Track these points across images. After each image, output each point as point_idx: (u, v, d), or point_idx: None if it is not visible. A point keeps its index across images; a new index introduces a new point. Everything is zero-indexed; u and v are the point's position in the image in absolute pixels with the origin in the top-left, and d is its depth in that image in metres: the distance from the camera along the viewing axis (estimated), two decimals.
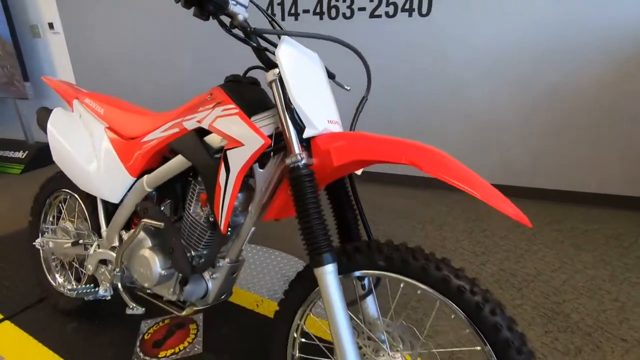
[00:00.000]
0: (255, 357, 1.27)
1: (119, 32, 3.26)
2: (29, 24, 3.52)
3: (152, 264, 1.00)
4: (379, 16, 2.54)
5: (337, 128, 0.86)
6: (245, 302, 1.52)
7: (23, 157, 3.46)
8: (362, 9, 2.56)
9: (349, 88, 1.23)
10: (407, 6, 2.46)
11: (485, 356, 0.72)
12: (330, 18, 2.65)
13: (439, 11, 2.41)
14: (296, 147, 0.79)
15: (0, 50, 3.27)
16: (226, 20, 1.87)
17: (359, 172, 0.98)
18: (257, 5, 0.91)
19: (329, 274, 0.76)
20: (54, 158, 1.20)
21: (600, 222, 2.31)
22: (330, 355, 0.96)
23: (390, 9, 2.50)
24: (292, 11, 2.71)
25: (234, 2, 0.73)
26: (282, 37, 0.81)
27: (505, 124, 2.53)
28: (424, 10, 2.44)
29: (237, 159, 0.83)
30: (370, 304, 0.93)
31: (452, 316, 0.74)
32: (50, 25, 3.45)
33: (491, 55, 2.40)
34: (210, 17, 0.75)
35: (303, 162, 0.78)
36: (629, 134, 2.32)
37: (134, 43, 3.24)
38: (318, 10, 2.65)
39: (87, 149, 1.14)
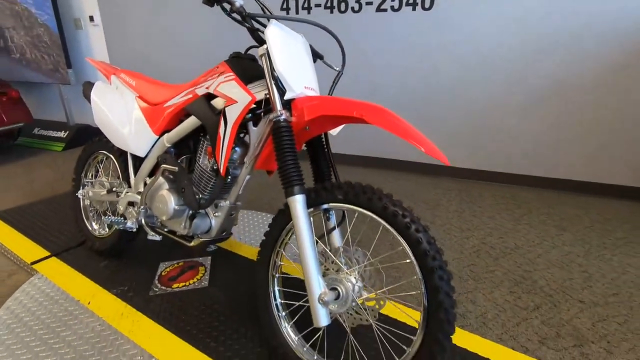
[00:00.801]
0: (250, 293, 1.51)
1: (151, 25, 3.59)
2: (72, 17, 3.92)
3: (168, 201, 1.26)
4: (385, 10, 2.72)
5: (312, 93, 1.09)
6: (247, 254, 1.76)
7: (64, 136, 3.87)
8: (369, 3, 2.75)
9: (337, 68, 1.45)
10: (410, 0, 2.63)
11: (413, 267, 0.92)
12: (340, 12, 2.85)
13: (441, 5, 2.57)
14: (278, 105, 1.02)
15: (48, 40, 3.68)
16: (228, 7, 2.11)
17: (334, 132, 1.20)
18: None
19: (298, 202, 0.99)
20: (96, 121, 1.48)
21: (590, 209, 2.41)
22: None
23: (396, 3, 2.68)
24: (305, 5, 2.94)
25: None
26: (270, 20, 1.04)
27: (505, 115, 2.66)
28: (427, 4, 2.60)
29: (233, 113, 1.07)
30: (337, 237, 1.15)
31: (392, 237, 0.95)
32: (91, 18, 3.83)
33: (491, 47, 2.54)
34: (215, 4, 0.99)
35: (282, 117, 1.01)
36: (626, 123, 2.40)
37: (166, 36, 3.56)
38: (329, 4, 2.86)
39: (121, 114, 1.42)
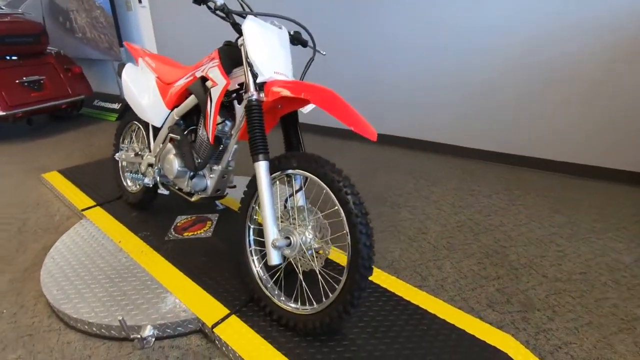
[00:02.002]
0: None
1: (194, 8, 3.90)
2: (124, 0, 4.35)
3: (173, 163, 1.57)
4: None
5: (283, 77, 1.29)
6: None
7: (117, 108, 4.41)
8: None
9: (324, 53, 1.63)
10: None
11: (342, 223, 1.13)
12: None
13: None
14: (251, 87, 1.25)
15: (103, 21, 4.15)
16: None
17: (305, 110, 1.41)
18: None
19: (261, 167, 1.22)
20: (125, 95, 1.81)
21: (595, 194, 2.38)
22: None
23: None
24: None
25: None
26: (248, 15, 1.25)
27: (508, 97, 2.65)
28: None
29: (215, 93, 1.32)
30: (300, 197, 1.38)
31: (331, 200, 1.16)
32: (139, 0, 4.23)
33: (503, 31, 2.51)
34: (201, 3, 1.21)
35: (254, 97, 1.24)
36: (630, 109, 2.30)
37: (207, 17, 3.86)
38: None
39: (143, 91, 1.73)
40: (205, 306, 1.37)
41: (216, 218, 2.00)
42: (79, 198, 2.25)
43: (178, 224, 1.94)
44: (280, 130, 1.42)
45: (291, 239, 1.23)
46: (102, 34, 4.25)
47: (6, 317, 1.45)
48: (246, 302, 1.39)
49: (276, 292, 1.34)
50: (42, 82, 3.70)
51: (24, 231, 2.06)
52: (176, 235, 1.84)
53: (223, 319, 1.31)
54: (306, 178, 1.36)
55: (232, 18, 1.26)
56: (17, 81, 3.51)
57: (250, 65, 1.24)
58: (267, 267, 1.44)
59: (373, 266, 1.13)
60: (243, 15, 1.26)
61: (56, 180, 2.55)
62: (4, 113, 3.38)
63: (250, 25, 1.24)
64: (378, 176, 2.70)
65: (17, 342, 1.34)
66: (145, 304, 1.39)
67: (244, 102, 1.36)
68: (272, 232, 1.19)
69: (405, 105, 3.14)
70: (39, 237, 1.99)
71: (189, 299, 1.40)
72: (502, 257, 1.78)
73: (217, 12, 1.25)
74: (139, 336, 1.27)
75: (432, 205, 2.28)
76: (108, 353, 1.28)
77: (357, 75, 3.28)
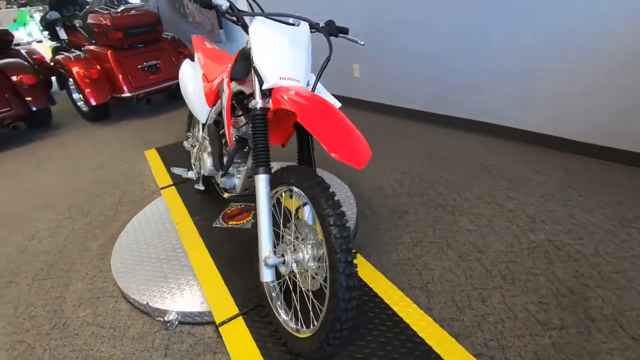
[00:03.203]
0: None
1: None
2: None
3: (206, 161, 1.65)
4: None
5: (290, 83, 1.18)
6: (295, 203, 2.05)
7: None
8: None
9: (362, 43, 1.44)
10: None
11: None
12: None
13: None
14: (256, 94, 1.18)
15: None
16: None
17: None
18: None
19: (261, 180, 1.18)
20: (181, 90, 1.95)
21: None
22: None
23: None
24: None
25: (216, 0, 1.13)
26: (255, 17, 1.16)
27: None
28: None
29: (225, 100, 1.30)
30: (306, 212, 1.29)
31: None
32: None
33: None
34: (210, 7, 1.18)
35: (258, 105, 1.18)
36: None
37: (307, 4, 3.84)
38: None
39: (193, 86, 1.83)
40: (221, 301, 1.45)
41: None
42: (161, 176, 2.60)
43: (227, 211, 2.07)
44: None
45: (285, 257, 1.18)
46: (206, 17, 4.64)
47: (87, 279, 1.80)
48: (256, 305, 1.42)
49: (279, 303, 1.33)
50: (158, 65, 4.28)
51: (122, 201, 2.50)
52: (222, 223, 1.98)
53: (231, 319, 1.37)
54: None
55: (242, 20, 1.19)
56: (139, 66, 4.14)
57: (255, 70, 1.17)
58: (277, 275, 1.43)
59: (353, 307, 1.01)
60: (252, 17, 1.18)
61: (152, 156, 2.98)
62: (130, 94, 4.05)
63: (256, 27, 1.15)
64: (447, 170, 2.37)
65: (89, 302, 1.66)
66: (177, 289, 1.55)
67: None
68: (265, 249, 1.16)
69: (492, 84, 2.61)
70: (129, 208, 2.39)
71: (210, 291, 1.50)
72: (578, 301, 1.39)
73: (227, 15, 1.20)
74: (163, 319, 1.44)
75: (504, 216, 1.90)
76: (142, 327, 1.49)
77: (434, 50, 2.85)
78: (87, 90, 3.97)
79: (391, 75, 3.28)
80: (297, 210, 1.29)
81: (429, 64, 2.96)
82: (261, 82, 1.17)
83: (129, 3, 4.54)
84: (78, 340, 1.46)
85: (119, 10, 4.07)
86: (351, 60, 3.57)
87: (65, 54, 4.14)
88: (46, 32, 5.29)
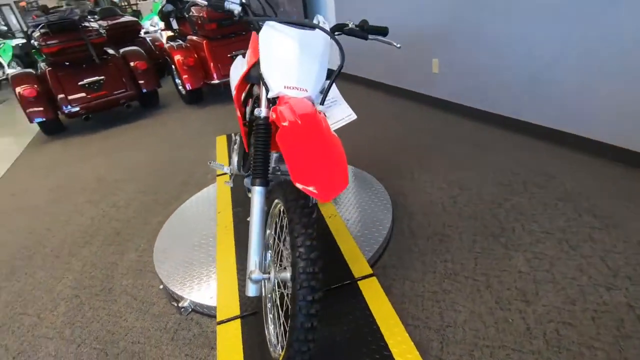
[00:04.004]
0: None
1: None
2: None
3: (234, 159, 1.68)
4: None
5: (296, 93, 1.10)
6: (323, 211, 1.99)
7: None
8: None
9: (399, 46, 1.28)
10: None
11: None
12: None
13: None
14: (262, 102, 1.14)
15: None
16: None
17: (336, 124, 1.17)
18: (244, 2, 1.18)
19: (257, 192, 1.14)
20: (230, 85, 2.00)
21: None
22: None
23: None
24: None
25: (228, 4, 1.10)
26: (265, 21, 1.10)
27: None
28: None
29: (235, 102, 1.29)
30: None
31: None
32: None
33: None
34: (223, 11, 1.15)
35: (261, 114, 1.13)
36: None
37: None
38: None
39: (235, 82, 1.86)
40: (227, 300, 1.49)
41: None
42: (223, 162, 2.77)
43: None
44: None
45: (270, 275, 1.14)
46: (294, 7, 4.71)
47: (139, 251, 2.04)
48: (255, 312, 1.42)
49: (270, 317, 1.30)
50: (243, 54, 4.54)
51: (187, 182, 2.75)
52: None
53: (230, 319, 1.39)
54: (317, 208, 1.19)
55: (256, 25, 1.14)
56: (228, 55, 4.44)
57: (261, 77, 1.12)
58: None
59: (308, 349, 0.91)
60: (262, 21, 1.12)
61: (221, 143, 3.20)
62: (218, 81, 4.40)
63: (264, 32, 1.10)
64: (516, 192, 2.00)
65: (133, 273, 1.88)
66: (197, 278, 1.65)
67: None
68: (252, 263, 1.13)
69: (605, 88, 2.07)
70: (189, 190, 2.62)
71: (222, 288, 1.55)
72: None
73: (242, 18, 1.16)
74: (177, 304, 1.54)
75: (575, 262, 1.53)
76: (164, 307, 1.63)
77: (532, 45, 2.37)
78: (185, 76, 4.44)
79: (476, 74, 2.88)
80: None
81: (525, 61, 2.50)
82: (268, 90, 1.12)
83: None
84: (114, 306, 1.67)
85: None
86: (430, 53, 3.24)
87: (171, 43, 4.68)
88: (162, 23, 6.04)
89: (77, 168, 3.35)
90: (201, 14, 4.27)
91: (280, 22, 1.11)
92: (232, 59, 4.41)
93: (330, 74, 1.17)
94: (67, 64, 4.11)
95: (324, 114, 1.20)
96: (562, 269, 1.50)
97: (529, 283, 1.46)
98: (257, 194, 1.14)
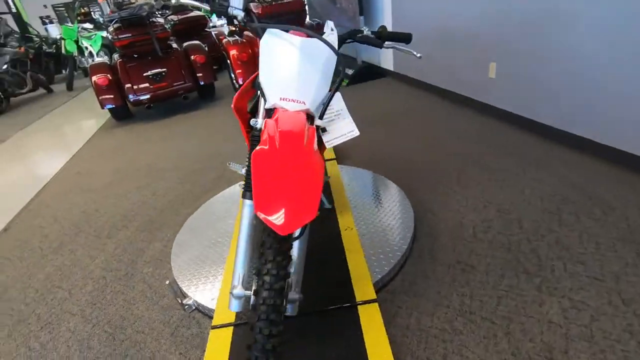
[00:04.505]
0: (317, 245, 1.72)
1: None
2: None
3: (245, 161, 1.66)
4: None
5: (292, 105, 1.03)
6: (341, 223, 1.90)
7: (351, 73, 4.82)
8: None
9: (419, 55, 1.16)
10: None
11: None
12: None
13: None
14: (260, 113, 1.09)
15: None
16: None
17: (328, 145, 1.09)
18: (249, 8, 1.12)
19: (245, 205, 1.10)
20: None
21: None
22: None
23: None
24: None
25: (231, 9, 1.06)
26: (266, 29, 1.04)
27: None
28: None
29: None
30: (295, 248, 1.15)
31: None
32: None
33: None
34: (228, 18, 1.12)
35: (257, 124, 1.09)
36: None
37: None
38: None
39: None
40: (225, 305, 1.49)
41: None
42: None
43: None
44: None
45: (251, 292, 1.09)
46: (350, 3, 4.59)
47: (164, 241, 2.14)
48: (247, 322, 1.40)
49: None
50: None
51: (221, 177, 2.83)
52: None
53: (223, 326, 1.39)
54: (305, 226, 1.13)
55: (261, 32, 1.09)
56: None
57: (260, 87, 1.07)
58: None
59: None
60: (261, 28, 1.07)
61: None
62: None
63: (265, 39, 1.05)
64: (566, 224, 1.73)
65: (154, 262, 1.98)
66: (204, 277, 1.68)
67: None
68: (235, 277, 1.10)
69: None
70: (221, 185, 2.69)
71: (225, 291, 1.56)
72: None
73: (246, 24, 1.12)
74: (181, 301, 1.59)
75: (626, 319, 1.28)
76: (172, 300, 1.68)
77: (616, 54, 2.01)
78: (238, 71, 4.58)
79: (537, 83, 2.55)
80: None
81: (594, 74, 2.14)
82: (265, 100, 1.07)
83: None
84: (131, 293, 1.77)
85: None
86: (487, 56, 2.94)
87: (229, 38, 4.85)
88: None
89: (133, 153, 3.64)
90: (256, 10, 4.35)
91: (282, 29, 1.05)
92: None
93: (335, 85, 1.09)
94: (135, 56, 4.47)
95: (324, 128, 1.13)
96: (606, 326, 1.26)
97: (559, 337, 1.25)
98: (246, 207, 1.11)
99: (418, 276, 1.59)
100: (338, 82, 1.07)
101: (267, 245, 0.90)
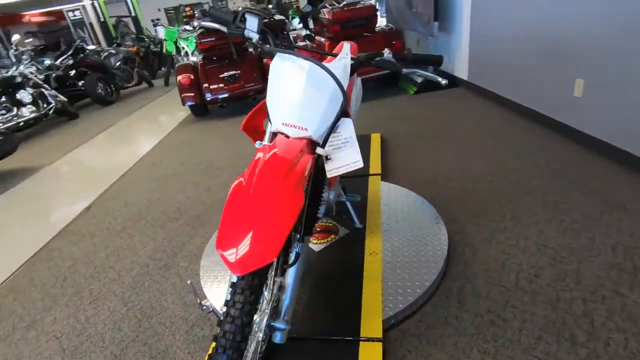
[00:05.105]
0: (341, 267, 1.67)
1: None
2: None
3: None
4: None
5: (293, 131, 1.00)
6: (367, 246, 1.81)
7: (419, 81, 4.58)
8: None
9: (445, 82, 1.06)
10: None
11: None
12: None
13: None
14: (266, 136, 1.09)
15: None
16: None
17: (328, 174, 1.03)
18: (266, 30, 1.08)
19: None
20: None
21: None
22: None
23: None
24: None
25: (247, 32, 1.07)
26: (276, 52, 1.03)
27: None
28: None
29: None
30: (290, 274, 1.11)
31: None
32: None
33: None
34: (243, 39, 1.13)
35: (260, 147, 1.08)
36: None
37: (529, 14, 3.03)
38: None
39: None
40: None
41: (343, 234, 1.93)
42: (375, 161, 2.74)
43: (319, 222, 2.05)
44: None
45: None
46: (426, 7, 4.36)
47: (204, 238, 2.27)
48: None
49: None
50: None
51: None
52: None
53: None
54: (297, 253, 1.10)
55: (272, 54, 1.09)
56: None
57: (266, 110, 1.06)
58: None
59: None
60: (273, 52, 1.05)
61: (375, 140, 3.26)
62: None
63: (274, 63, 1.04)
64: (636, 287, 1.41)
65: (190, 257, 2.11)
66: (224, 283, 1.74)
67: None
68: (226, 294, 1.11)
69: None
70: None
71: None
72: None
73: (260, 47, 1.12)
74: (200, 301, 1.67)
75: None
76: (195, 299, 1.78)
77: None
78: None
79: (635, 106, 2.12)
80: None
81: None
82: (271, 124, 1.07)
83: None
84: (165, 284, 1.92)
85: (342, 5, 4.44)
86: (573, 71, 2.53)
87: (299, 42, 4.97)
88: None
89: (200, 148, 3.96)
90: (327, 16, 4.38)
91: (291, 54, 1.03)
92: None
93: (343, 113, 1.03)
94: (215, 58, 4.85)
95: (327, 156, 1.08)
96: None
97: None
98: None
99: (438, 320, 1.44)
100: (338, 112, 1.01)
101: (237, 287, 0.89)
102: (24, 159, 4.63)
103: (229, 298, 0.89)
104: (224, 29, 1.19)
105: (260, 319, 1.07)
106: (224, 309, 0.89)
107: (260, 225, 0.81)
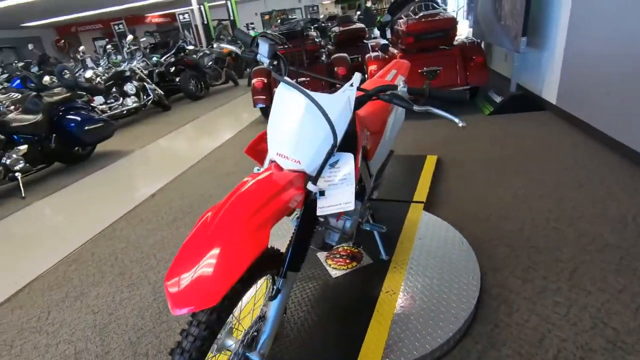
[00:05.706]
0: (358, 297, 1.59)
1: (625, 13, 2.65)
2: None
3: None
4: None
5: (285, 163, 0.96)
6: (387, 282, 1.68)
7: (497, 101, 4.15)
8: None
9: (461, 124, 0.94)
10: None
11: None
12: None
13: None
14: (265, 162, 1.07)
15: (518, 7, 3.77)
16: None
17: (320, 211, 0.97)
18: (280, 56, 1.03)
19: None
20: None
21: None
22: None
23: None
24: None
25: (259, 57, 1.06)
26: (281, 81, 1.00)
27: None
28: None
29: None
30: (273, 307, 1.07)
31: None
32: None
33: None
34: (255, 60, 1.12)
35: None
36: None
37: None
38: None
39: None
40: None
41: (366, 264, 1.82)
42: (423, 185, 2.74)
43: (340, 248, 1.98)
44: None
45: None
46: (515, 21, 3.93)
47: None
48: None
49: None
50: (437, 72, 4.21)
51: None
52: (325, 254, 1.93)
53: None
54: (279, 289, 1.06)
55: (280, 82, 1.06)
56: (419, 71, 4.24)
57: (267, 136, 1.04)
58: None
59: None
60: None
61: (429, 164, 3.16)
62: None
63: (278, 91, 1.01)
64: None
65: None
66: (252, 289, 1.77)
67: None
68: None
69: None
70: None
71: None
72: None
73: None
74: None
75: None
76: None
77: None
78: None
79: None
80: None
81: None
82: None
83: (437, 8, 4.57)
84: None
85: (419, 16, 4.23)
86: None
87: (372, 53, 4.88)
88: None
89: None
90: (401, 27, 4.22)
91: (293, 86, 0.98)
92: (423, 75, 4.20)
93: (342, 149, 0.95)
94: None
95: (322, 192, 1.01)
96: None
97: None
98: None
99: None
100: (330, 150, 0.93)
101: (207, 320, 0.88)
102: (120, 143, 5.35)
103: (186, 327, 0.89)
104: (238, 51, 1.20)
105: (236, 346, 1.05)
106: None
107: (208, 265, 0.79)
